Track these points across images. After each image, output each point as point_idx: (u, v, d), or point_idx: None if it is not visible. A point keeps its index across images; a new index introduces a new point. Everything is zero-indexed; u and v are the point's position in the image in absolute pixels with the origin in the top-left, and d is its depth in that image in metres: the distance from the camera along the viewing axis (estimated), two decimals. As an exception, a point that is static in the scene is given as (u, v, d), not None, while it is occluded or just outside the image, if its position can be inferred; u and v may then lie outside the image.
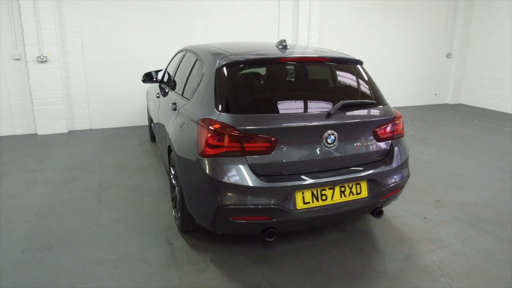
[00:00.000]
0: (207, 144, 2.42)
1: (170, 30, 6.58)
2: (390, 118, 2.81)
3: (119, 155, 5.16)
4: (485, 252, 2.94)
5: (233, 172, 2.37)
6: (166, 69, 4.70)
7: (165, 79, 4.47)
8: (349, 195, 2.62)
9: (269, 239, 2.53)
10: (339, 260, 2.80)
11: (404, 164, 2.88)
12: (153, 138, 5.73)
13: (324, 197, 2.54)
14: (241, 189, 2.36)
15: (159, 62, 6.51)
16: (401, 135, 2.94)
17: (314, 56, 2.87)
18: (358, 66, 3.02)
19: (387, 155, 2.84)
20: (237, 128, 2.38)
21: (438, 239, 3.11)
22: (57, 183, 4.17)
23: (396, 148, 2.85)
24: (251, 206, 2.38)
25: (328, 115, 2.55)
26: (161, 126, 3.79)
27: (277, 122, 2.46)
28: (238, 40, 6.94)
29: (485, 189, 4.15)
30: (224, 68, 2.68)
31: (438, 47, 9.05)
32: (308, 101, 2.70)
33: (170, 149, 3.26)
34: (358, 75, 2.96)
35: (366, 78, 2.98)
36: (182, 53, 4.11)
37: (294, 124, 2.47)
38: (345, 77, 2.90)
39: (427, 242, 3.06)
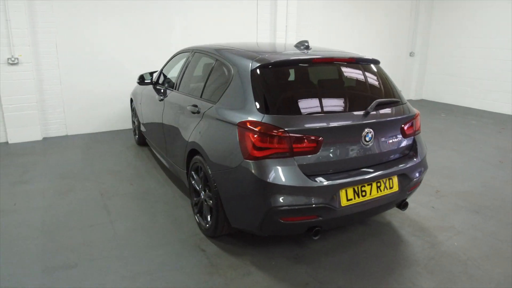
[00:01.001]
0: (254, 147, 2.39)
1: (149, 30, 6.33)
2: (413, 115, 2.97)
3: (110, 161, 4.89)
4: (495, 235, 3.20)
5: (284, 173, 2.37)
6: (161, 71, 4.53)
7: (165, 81, 4.31)
8: (383, 190, 2.72)
9: (315, 238, 2.56)
10: (372, 253, 2.90)
11: (425, 158, 3.04)
12: (140, 142, 5.50)
13: (363, 193, 2.62)
14: (293, 190, 2.36)
15: (138, 63, 6.27)
16: (419, 131, 3.11)
17: (343, 57, 2.93)
18: (378, 65, 3.13)
19: (411, 150, 2.99)
20: (285, 129, 2.38)
21: (451, 227, 3.33)
22: (52, 195, 3.86)
23: (418, 143, 3.01)
24: (302, 206, 2.39)
25: (366, 113, 2.63)
26: (171, 129, 3.65)
27: (322, 121, 2.49)
28: (233, 40, 6.87)
29: (474, 178, 4.49)
30: (259, 69, 2.65)
31: (403, 46, 9.61)
32: (343, 100, 2.76)
33: (191, 154, 3.17)
34: (379, 75, 3.08)
35: (386, 77, 3.11)
36: (186, 54, 3.98)
37: (338, 124, 2.52)
38: (369, 77, 3.00)
39: (443, 230, 3.27)
